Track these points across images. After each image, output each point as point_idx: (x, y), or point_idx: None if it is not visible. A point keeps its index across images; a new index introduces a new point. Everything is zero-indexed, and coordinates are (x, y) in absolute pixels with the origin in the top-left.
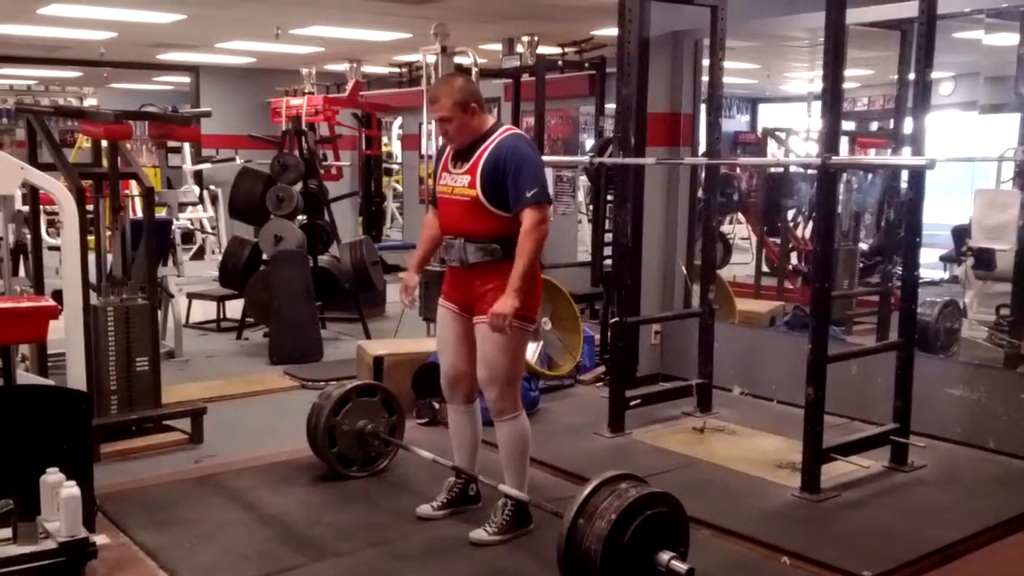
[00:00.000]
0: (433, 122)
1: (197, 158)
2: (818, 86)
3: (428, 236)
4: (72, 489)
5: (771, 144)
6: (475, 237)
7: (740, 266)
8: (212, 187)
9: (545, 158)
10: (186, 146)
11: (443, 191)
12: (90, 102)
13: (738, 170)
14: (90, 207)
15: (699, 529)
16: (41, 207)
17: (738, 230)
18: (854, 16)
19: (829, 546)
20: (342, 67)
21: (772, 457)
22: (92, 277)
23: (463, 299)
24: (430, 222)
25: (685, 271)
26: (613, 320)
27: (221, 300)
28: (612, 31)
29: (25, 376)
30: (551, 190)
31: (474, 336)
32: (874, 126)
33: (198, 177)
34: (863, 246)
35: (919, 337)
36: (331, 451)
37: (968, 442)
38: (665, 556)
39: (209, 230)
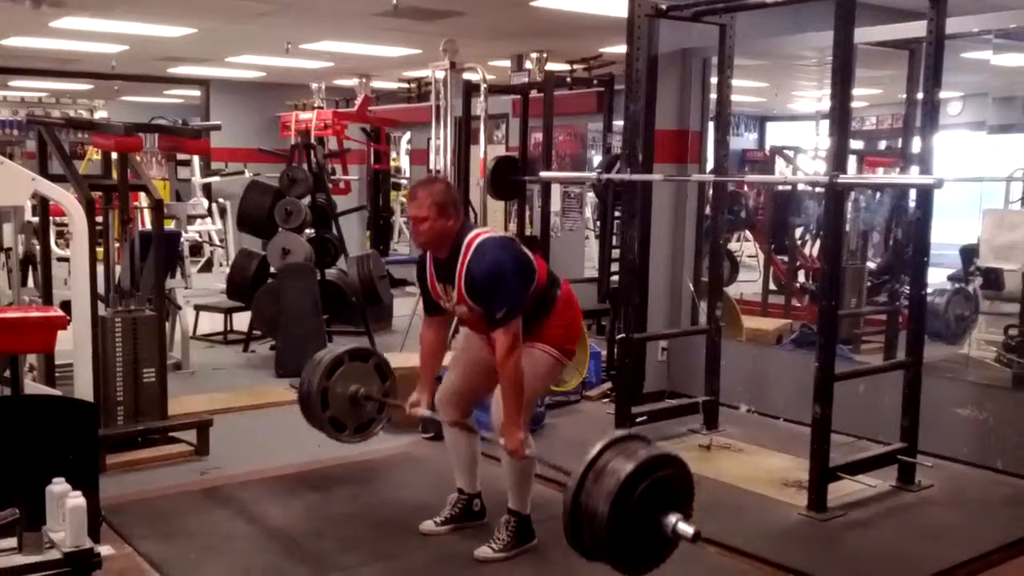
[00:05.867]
0: (439, 138)
1: (206, 171)
2: (826, 105)
3: (430, 354)
4: (78, 499)
5: (779, 162)
6: None
7: (747, 284)
8: (221, 200)
9: (553, 174)
10: (195, 159)
11: (448, 308)
12: (101, 114)
13: (746, 188)
14: (99, 219)
15: (705, 547)
16: (51, 218)
17: (745, 247)
18: (862, 35)
19: (835, 566)
20: (351, 82)
21: (779, 475)
22: (100, 288)
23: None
24: (428, 339)
25: (692, 288)
26: (620, 336)
27: (228, 312)
28: (621, 48)
29: (33, 386)
30: (558, 205)
31: (490, 363)
32: (882, 145)
33: (207, 190)
34: (871, 265)
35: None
36: (324, 414)
37: (976, 462)
38: (672, 518)
39: (217, 243)
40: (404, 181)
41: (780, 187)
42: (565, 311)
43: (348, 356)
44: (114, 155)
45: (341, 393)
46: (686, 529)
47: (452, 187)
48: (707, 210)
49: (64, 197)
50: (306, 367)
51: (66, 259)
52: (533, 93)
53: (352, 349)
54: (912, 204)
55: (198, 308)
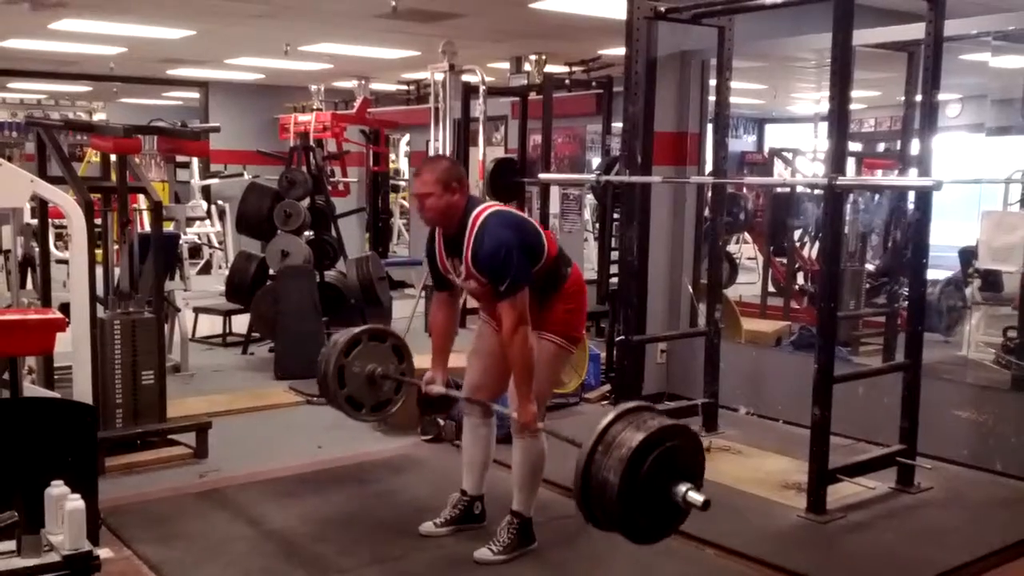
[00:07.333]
0: (438, 140)
1: (205, 173)
2: (825, 107)
3: (441, 333)
4: (77, 502)
5: (778, 164)
6: None
7: (746, 286)
8: (220, 202)
9: (552, 176)
10: (194, 161)
11: (457, 283)
12: (99, 116)
13: (744, 190)
14: (98, 221)
15: (704, 549)
16: (50, 220)
17: (744, 250)
18: (861, 37)
19: (834, 568)
20: (350, 84)
21: (778, 477)
22: (99, 290)
23: None
24: (439, 318)
25: (691, 290)
26: (619, 338)
27: (227, 315)
28: (619, 50)
29: (32, 388)
30: (557, 207)
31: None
32: (881, 147)
33: (206, 192)
34: (870, 267)
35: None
36: (341, 392)
37: (975, 464)
38: (683, 487)
39: (216, 245)
40: (403, 183)
41: (779, 189)
42: (573, 294)
43: (366, 336)
44: (113, 157)
45: (358, 372)
46: (696, 497)
47: (457, 164)
48: (706, 212)
49: (63, 199)
50: (325, 347)
51: (65, 261)
52: (532, 95)
53: (370, 328)
54: (911, 206)
55: (197, 310)
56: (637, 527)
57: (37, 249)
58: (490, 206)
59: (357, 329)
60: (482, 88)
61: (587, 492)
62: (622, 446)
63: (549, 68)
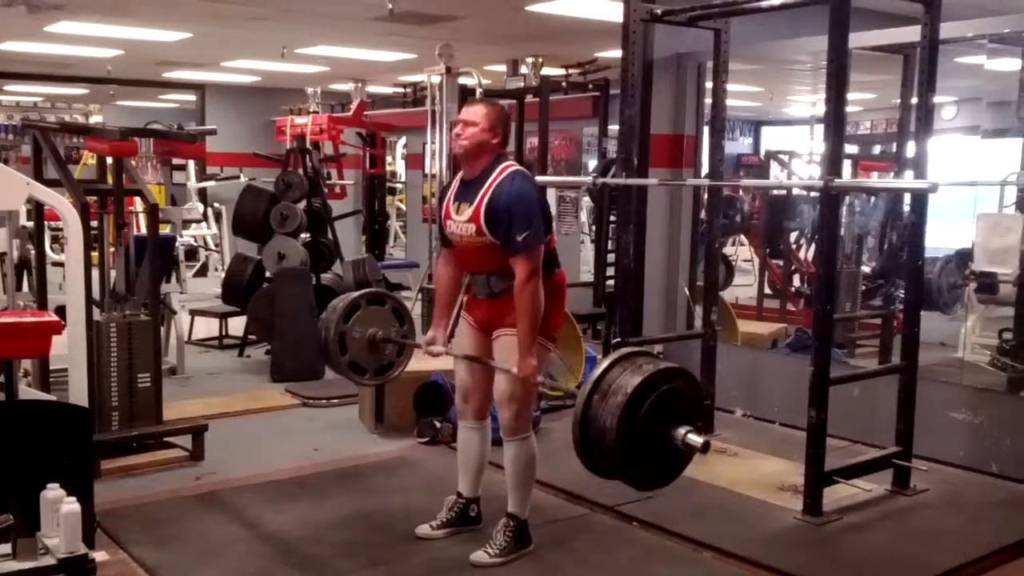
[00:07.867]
0: (435, 143)
1: (202, 175)
2: (821, 109)
3: (445, 288)
4: (72, 505)
5: (774, 166)
6: (500, 270)
7: (742, 288)
8: (216, 204)
9: (548, 178)
10: (191, 163)
11: (455, 238)
12: (96, 119)
13: (741, 192)
14: (94, 223)
15: (700, 551)
16: (46, 223)
17: (740, 252)
18: (857, 40)
19: (831, 570)
20: (347, 87)
21: (774, 480)
22: (95, 293)
23: (485, 317)
24: (444, 274)
25: (688, 292)
26: (615, 340)
27: (224, 317)
28: (616, 53)
29: (27, 391)
30: (554, 209)
31: (491, 351)
32: (877, 149)
33: (202, 194)
34: (866, 269)
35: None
36: (343, 358)
37: (971, 466)
38: (682, 430)
39: (212, 247)
40: (399, 186)
41: (775, 191)
42: (556, 293)
43: (365, 300)
44: (109, 160)
45: (359, 337)
46: (695, 439)
47: (510, 117)
48: (702, 214)
49: (59, 202)
50: (325, 312)
51: (61, 264)
52: (529, 98)
53: (369, 293)
54: (907, 208)
55: (193, 313)
56: (639, 474)
57: (33, 252)
58: (518, 165)
59: (356, 294)
60: (479, 91)
61: (586, 440)
62: (618, 392)
63: (546, 71)
